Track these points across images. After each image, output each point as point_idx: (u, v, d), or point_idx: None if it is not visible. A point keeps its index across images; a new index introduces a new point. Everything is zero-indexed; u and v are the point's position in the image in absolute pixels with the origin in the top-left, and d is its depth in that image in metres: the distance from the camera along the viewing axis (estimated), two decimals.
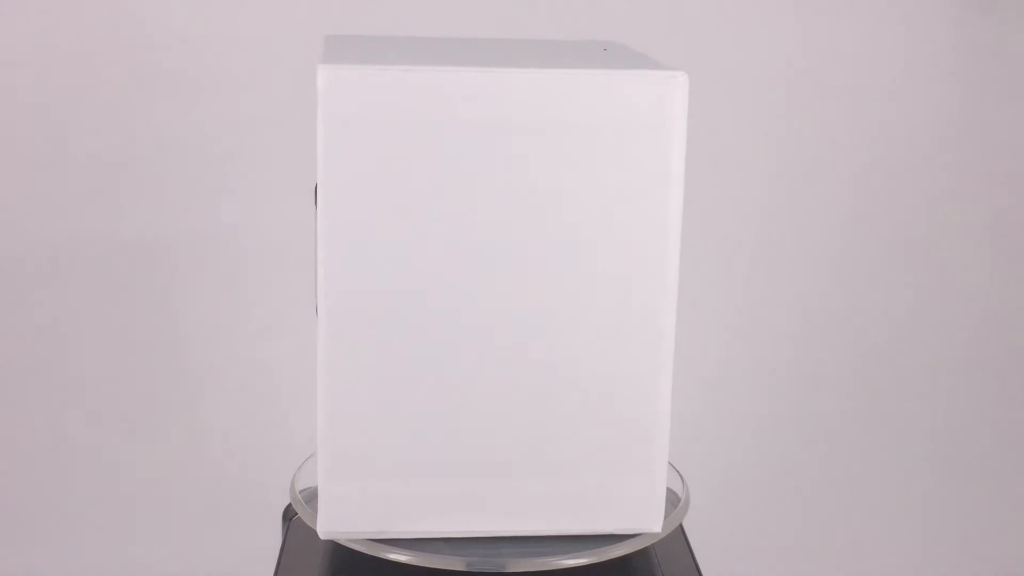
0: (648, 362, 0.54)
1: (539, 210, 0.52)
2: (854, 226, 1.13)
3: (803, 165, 1.11)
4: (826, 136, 1.11)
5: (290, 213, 1.05)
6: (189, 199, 1.06)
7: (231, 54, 1.05)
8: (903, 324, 1.15)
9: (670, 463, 0.63)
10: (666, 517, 0.58)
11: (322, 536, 0.56)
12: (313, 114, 0.52)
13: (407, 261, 0.53)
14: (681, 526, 0.63)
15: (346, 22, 1.03)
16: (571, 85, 0.52)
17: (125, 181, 1.06)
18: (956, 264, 1.14)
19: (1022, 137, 1.13)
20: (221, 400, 1.09)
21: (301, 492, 0.60)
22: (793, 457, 1.14)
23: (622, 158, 0.52)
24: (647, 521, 0.56)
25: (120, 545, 1.08)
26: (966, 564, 1.14)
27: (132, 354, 1.08)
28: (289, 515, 0.64)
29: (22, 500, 1.09)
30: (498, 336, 0.53)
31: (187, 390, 1.09)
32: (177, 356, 1.09)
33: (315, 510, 0.58)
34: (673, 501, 0.60)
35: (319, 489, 0.55)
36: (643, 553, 0.58)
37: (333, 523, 0.56)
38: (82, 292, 1.07)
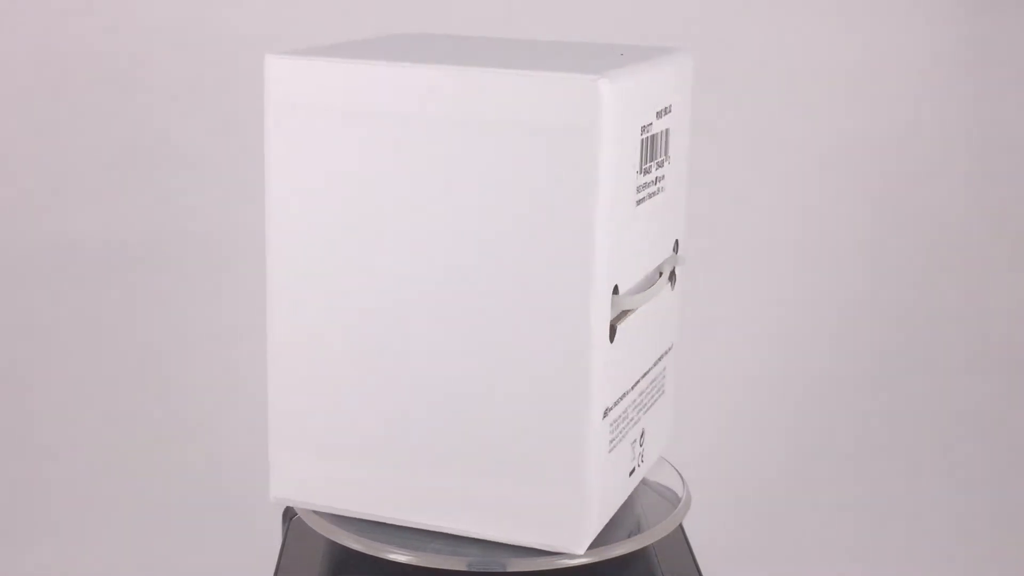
0: (572, 370, 0.51)
1: (465, 209, 0.52)
2: (855, 226, 1.13)
3: (804, 165, 1.11)
4: (827, 136, 1.11)
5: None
6: (183, 201, 1.07)
7: (222, 57, 1.05)
8: (903, 324, 1.15)
9: (670, 463, 0.63)
10: (666, 517, 0.58)
11: (272, 499, 0.58)
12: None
13: (342, 250, 0.53)
14: (681, 526, 0.63)
15: (345, 24, 1.03)
16: (495, 84, 0.50)
17: (114, 183, 1.06)
18: (957, 264, 1.14)
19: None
20: (221, 400, 1.09)
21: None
22: (793, 457, 1.14)
23: (545, 161, 0.50)
24: (569, 540, 0.53)
25: (120, 545, 1.08)
26: (967, 564, 1.14)
27: (132, 354, 1.09)
28: (289, 515, 0.64)
29: (21, 500, 1.09)
30: (423, 329, 0.53)
31: (187, 390, 1.09)
32: (177, 356, 1.09)
33: (315, 511, 0.58)
34: (673, 501, 0.60)
35: (269, 453, 0.57)
36: (643, 553, 0.59)
37: (283, 488, 0.58)
38: (82, 292, 1.07)
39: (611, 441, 0.54)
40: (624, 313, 0.53)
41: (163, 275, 1.08)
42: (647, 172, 0.54)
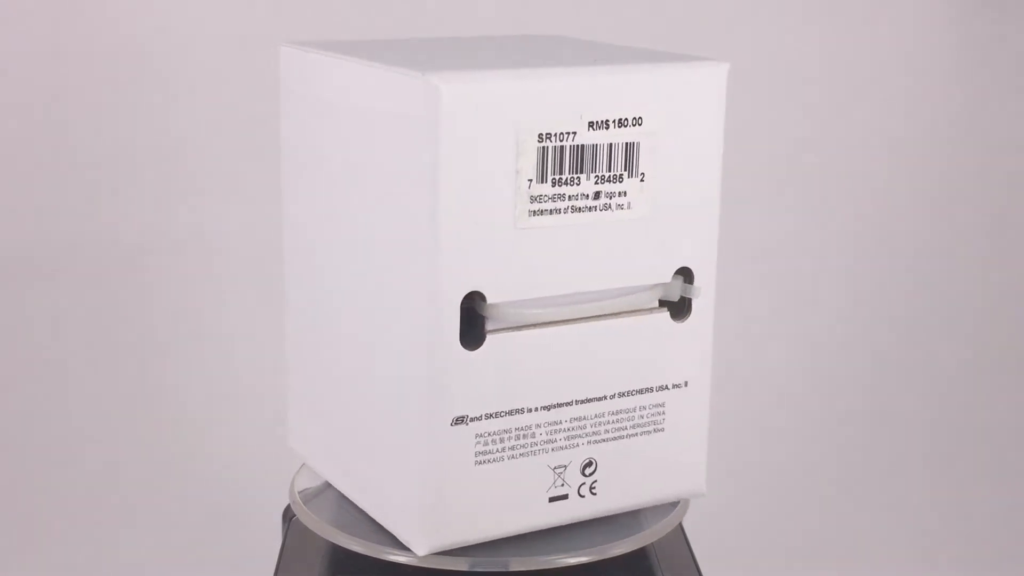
0: (414, 371, 0.52)
1: (359, 195, 0.55)
2: (854, 226, 1.13)
3: (802, 166, 1.11)
4: (826, 136, 1.11)
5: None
6: (182, 199, 1.07)
7: (221, 55, 1.05)
8: (903, 323, 1.15)
9: None
10: (666, 516, 0.58)
11: (290, 444, 0.62)
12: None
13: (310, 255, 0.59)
14: (681, 526, 0.63)
15: (342, 23, 1.03)
16: (375, 78, 0.53)
17: (113, 182, 1.06)
18: (957, 264, 1.14)
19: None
20: (221, 400, 1.09)
21: (300, 493, 0.60)
22: (793, 457, 1.14)
23: (398, 156, 0.51)
24: (412, 538, 0.54)
25: (120, 545, 1.08)
26: (967, 564, 1.14)
27: (132, 354, 1.09)
28: (289, 515, 0.64)
29: (21, 500, 1.09)
30: (339, 319, 0.57)
31: (187, 390, 1.09)
32: (177, 356, 1.09)
33: (315, 511, 0.58)
34: (672, 501, 0.60)
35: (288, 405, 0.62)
36: (643, 553, 0.59)
37: (296, 440, 0.63)
38: (82, 292, 1.07)
39: (481, 453, 0.53)
40: (525, 326, 0.53)
41: (163, 275, 1.08)
42: (562, 183, 0.52)
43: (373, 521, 0.56)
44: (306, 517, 0.58)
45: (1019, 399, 1.16)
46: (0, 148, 1.06)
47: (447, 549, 0.54)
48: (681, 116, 0.54)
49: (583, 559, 0.54)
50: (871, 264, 1.14)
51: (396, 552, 0.54)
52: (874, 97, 1.12)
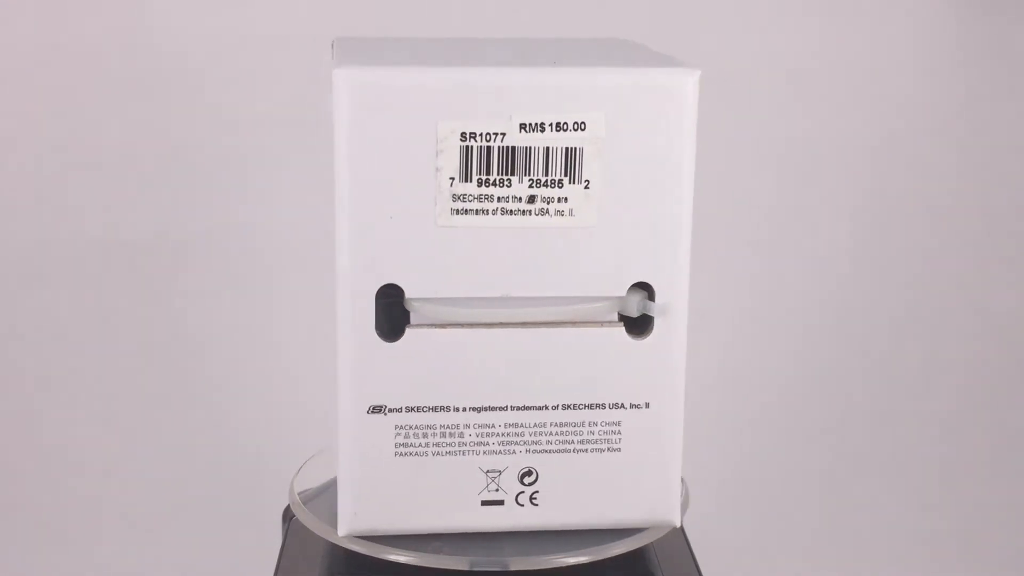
0: (338, 358, 0.54)
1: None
2: (853, 226, 1.13)
3: (801, 165, 1.12)
4: (825, 136, 1.11)
5: (297, 213, 1.05)
6: (200, 198, 1.07)
7: (243, 53, 1.05)
8: (902, 323, 1.15)
9: None
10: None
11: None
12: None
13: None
14: (681, 526, 0.63)
15: (356, 22, 1.03)
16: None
17: (137, 180, 1.06)
18: (956, 264, 1.14)
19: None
20: (221, 400, 1.09)
21: (300, 493, 0.60)
22: (794, 457, 1.14)
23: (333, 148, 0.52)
24: (339, 520, 0.56)
25: (120, 545, 1.08)
26: (967, 564, 1.14)
27: (132, 355, 1.09)
28: (289, 515, 0.64)
29: (21, 500, 1.09)
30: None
31: (187, 390, 1.09)
32: (177, 357, 1.09)
33: (315, 512, 0.58)
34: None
35: None
36: (643, 553, 0.59)
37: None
38: (84, 292, 1.07)
39: (401, 445, 0.54)
40: (449, 324, 0.53)
41: (163, 276, 1.08)
42: (490, 184, 0.52)
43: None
44: (306, 517, 0.58)
45: (1020, 399, 1.17)
46: (6, 148, 1.06)
47: (368, 535, 0.55)
48: (637, 124, 0.52)
49: (583, 559, 0.54)
50: (870, 263, 1.14)
51: (396, 552, 0.54)
52: (874, 97, 1.12)
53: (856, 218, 1.13)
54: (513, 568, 0.53)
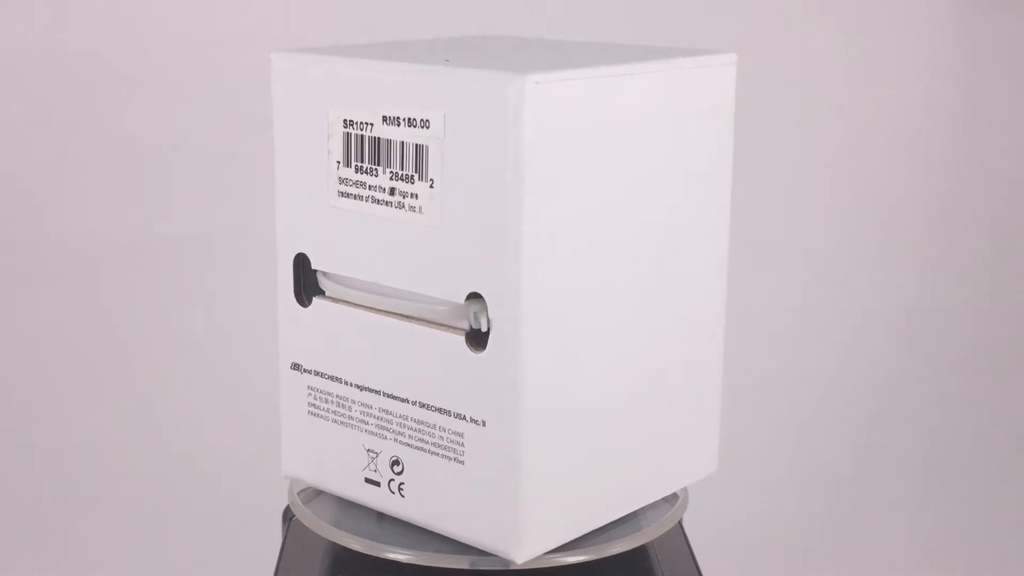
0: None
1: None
2: (854, 226, 1.13)
3: (802, 165, 1.12)
4: (827, 136, 1.11)
5: None
6: (195, 199, 1.07)
7: (231, 56, 1.05)
8: (903, 324, 1.15)
9: None
10: (665, 515, 0.58)
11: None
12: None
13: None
14: (681, 526, 0.63)
15: (349, 24, 1.03)
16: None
17: (125, 182, 1.06)
18: (957, 264, 1.14)
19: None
20: (221, 401, 1.09)
21: (300, 493, 0.60)
22: (794, 457, 1.14)
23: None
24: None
25: (120, 545, 1.09)
26: (967, 564, 1.14)
27: (132, 355, 1.09)
28: (289, 515, 0.64)
29: (22, 500, 1.09)
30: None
31: (187, 390, 1.09)
32: (177, 357, 1.09)
33: (315, 511, 0.58)
34: (671, 499, 0.60)
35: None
36: (643, 552, 0.58)
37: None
38: (83, 292, 1.07)
39: (312, 406, 0.58)
40: (341, 299, 0.56)
41: (163, 276, 1.08)
42: (363, 171, 0.53)
43: (373, 520, 0.57)
44: (306, 517, 0.58)
45: (1020, 400, 1.17)
46: (6, 148, 1.06)
47: (298, 481, 0.59)
48: (473, 127, 0.50)
49: (583, 558, 0.54)
50: (871, 265, 1.14)
51: (396, 551, 0.54)
52: (873, 96, 1.12)
53: (857, 217, 1.13)
54: (513, 567, 0.53)
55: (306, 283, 0.57)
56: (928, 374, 1.16)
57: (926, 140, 1.13)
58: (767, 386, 1.14)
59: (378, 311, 0.54)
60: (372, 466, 0.56)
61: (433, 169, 0.51)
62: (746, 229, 1.13)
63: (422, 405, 0.53)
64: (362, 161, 0.53)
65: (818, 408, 1.15)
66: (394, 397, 0.55)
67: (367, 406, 0.56)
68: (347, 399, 0.56)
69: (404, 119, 0.51)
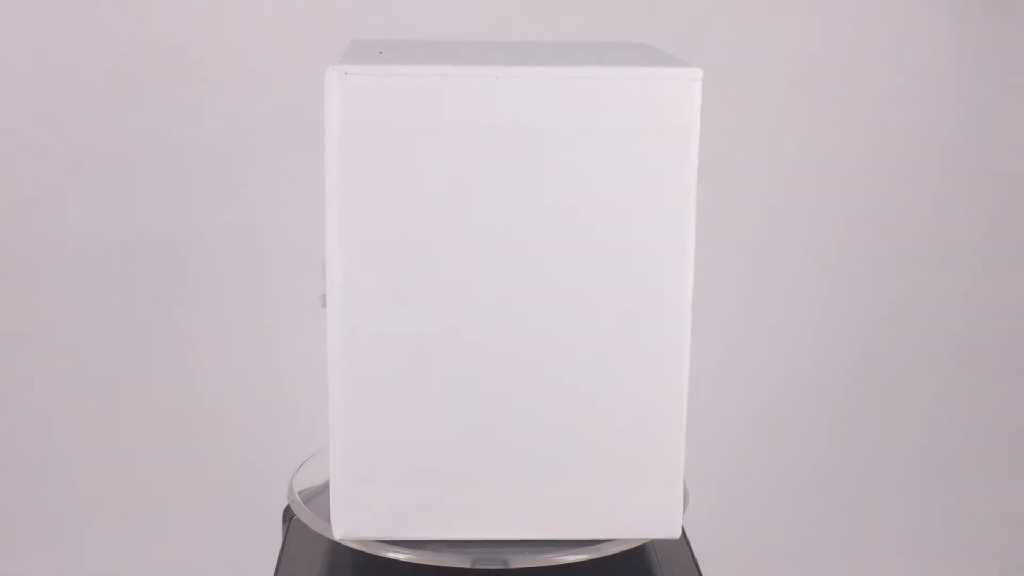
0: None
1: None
2: (854, 226, 1.13)
3: (802, 165, 1.12)
4: (826, 136, 1.11)
5: (294, 213, 1.05)
6: (194, 199, 1.07)
7: (238, 54, 1.05)
8: (902, 323, 1.15)
9: None
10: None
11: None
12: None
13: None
14: (681, 526, 0.63)
15: (355, 23, 1.03)
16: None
17: (131, 181, 1.06)
18: (956, 264, 1.14)
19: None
20: (221, 401, 1.09)
21: (300, 493, 0.60)
22: (794, 457, 1.14)
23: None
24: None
25: (120, 545, 1.08)
26: (967, 564, 1.14)
27: (132, 355, 1.09)
28: (289, 515, 0.64)
29: (22, 500, 1.09)
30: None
31: (187, 390, 1.09)
32: (177, 356, 1.09)
33: (315, 511, 0.58)
34: None
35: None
36: (643, 552, 0.59)
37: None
38: (82, 292, 1.07)
39: None
40: None
41: (163, 275, 1.08)
42: None
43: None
44: (306, 517, 0.58)
45: (1019, 399, 1.17)
46: (7, 148, 1.06)
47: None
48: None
49: (583, 557, 0.54)
50: (869, 264, 1.14)
51: (396, 550, 0.54)
52: (873, 96, 1.12)
53: (854, 218, 1.13)
54: (513, 566, 0.53)
55: None
56: (928, 374, 1.16)
57: (923, 140, 1.13)
58: (767, 386, 1.14)
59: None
60: None
61: None
62: (746, 229, 1.13)
63: None
64: None
65: (818, 408, 1.15)
66: None
67: None
68: None
69: None
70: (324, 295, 0.54)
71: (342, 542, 0.55)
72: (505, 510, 0.54)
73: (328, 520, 0.57)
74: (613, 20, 1.07)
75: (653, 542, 0.58)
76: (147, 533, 1.09)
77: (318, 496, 0.60)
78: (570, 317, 0.53)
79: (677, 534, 0.55)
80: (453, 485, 0.54)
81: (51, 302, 1.08)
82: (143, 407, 1.09)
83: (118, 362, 1.09)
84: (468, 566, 0.53)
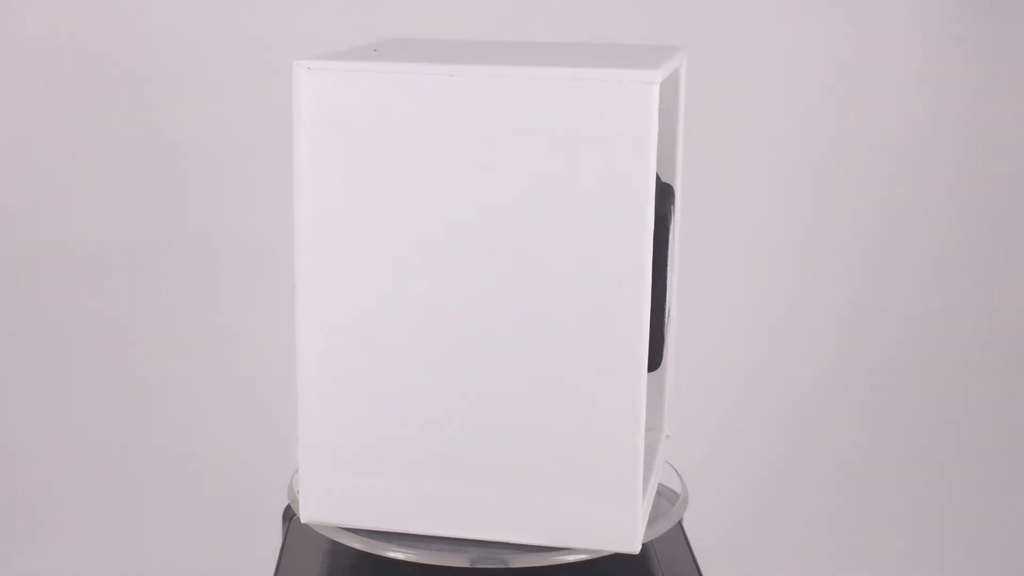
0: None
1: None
2: (854, 226, 1.13)
3: (802, 165, 1.11)
4: (826, 136, 1.11)
5: (290, 213, 1.05)
6: (195, 199, 1.07)
7: (238, 54, 1.05)
8: (902, 323, 1.15)
9: (668, 462, 0.63)
10: (665, 515, 0.58)
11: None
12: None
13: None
14: (681, 526, 0.63)
15: (341, 26, 1.03)
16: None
17: (131, 181, 1.06)
18: (956, 264, 1.14)
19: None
20: (221, 401, 1.09)
21: (300, 493, 0.60)
22: (794, 457, 1.14)
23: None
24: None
25: (120, 545, 1.08)
26: (967, 564, 1.14)
27: (132, 355, 1.09)
28: (289, 515, 0.64)
29: (22, 500, 1.09)
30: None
31: (187, 391, 1.09)
32: (177, 357, 1.09)
33: None
34: (671, 499, 0.60)
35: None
36: (643, 552, 0.58)
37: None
38: (81, 292, 1.07)
39: None
40: None
41: (163, 276, 1.08)
42: None
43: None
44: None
45: (1020, 399, 1.16)
46: (7, 148, 1.06)
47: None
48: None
49: (582, 556, 0.54)
50: (872, 264, 1.14)
51: (396, 549, 0.54)
52: (873, 96, 1.12)
53: (854, 218, 1.13)
54: (513, 566, 0.53)
55: None
56: (928, 374, 1.15)
57: (926, 139, 1.13)
58: (767, 386, 1.14)
59: None
60: None
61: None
62: (746, 229, 1.13)
63: None
64: None
65: (818, 408, 1.15)
66: None
67: None
68: None
69: None
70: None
71: (309, 525, 0.56)
72: (464, 508, 0.55)
73: None
74: (613, 20, 1.07)
75: (654, 542, 0.58)
76: (147, 533, 1.09)
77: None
78: (528, 318, 0.53)
79: (636, 549, 0.54)
80: (413, 479, 0.55)
81: (51, 302, 1.08)
82: (143, 407, 1.09)
83: (118, 362, 1.09)
84: (467, 565, 0.53)
